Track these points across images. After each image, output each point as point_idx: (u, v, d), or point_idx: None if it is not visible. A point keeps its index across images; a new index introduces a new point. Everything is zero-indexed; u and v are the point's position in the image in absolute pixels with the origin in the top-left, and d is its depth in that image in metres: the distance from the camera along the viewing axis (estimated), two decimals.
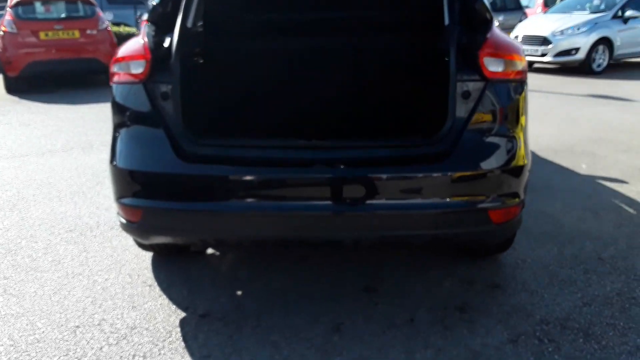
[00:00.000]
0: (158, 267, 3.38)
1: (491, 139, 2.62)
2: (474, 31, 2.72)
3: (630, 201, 4.43)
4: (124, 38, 12.47)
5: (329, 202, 2.53)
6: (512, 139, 2.64)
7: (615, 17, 12.00)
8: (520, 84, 2.67)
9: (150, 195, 2.65)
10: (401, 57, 3.59)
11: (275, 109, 3.77)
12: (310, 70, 3.66)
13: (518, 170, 2.62)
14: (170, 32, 2.86)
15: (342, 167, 2.55)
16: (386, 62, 3.64)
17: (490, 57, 2.57)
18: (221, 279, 3.25)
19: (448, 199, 2.56)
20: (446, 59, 2.85)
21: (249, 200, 2.59)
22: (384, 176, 2.53)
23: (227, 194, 2.59)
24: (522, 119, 2.72)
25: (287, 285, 3.16)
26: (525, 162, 2.66)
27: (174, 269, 3.35)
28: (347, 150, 2.63)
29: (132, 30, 13.92)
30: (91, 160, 5.82)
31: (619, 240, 3.69)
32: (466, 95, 2.61)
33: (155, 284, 3.20)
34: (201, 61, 3.26)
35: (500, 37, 2.67)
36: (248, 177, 2.57)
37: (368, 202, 2.52)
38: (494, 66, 2.58)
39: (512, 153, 2.62)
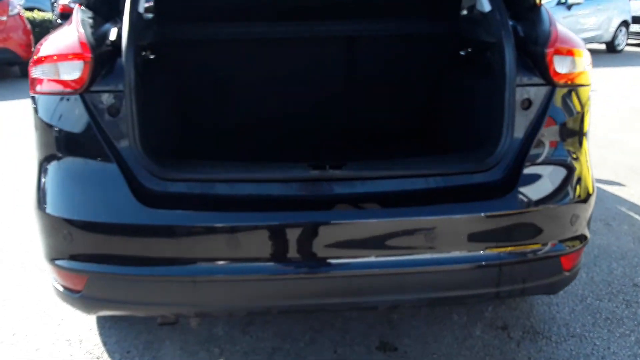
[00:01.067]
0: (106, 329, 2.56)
1: (561, 162, 2.02)
2: (526, 19, 2.09)
3: (634, 207, 4.06)
4: (38, 25, 11.06)
5: (359, 259, 1.85)
6: (581, 161, 2.06)
7: (559, 3, 11.94)
8: (586, 88, 2.08)
9: (98, 257, 1.85)
10: (422, 48, 2.87)
11: (266, 123, 3.01)
12: (305, 65, 2.89)
13: (589, 201, 2.04)
14: (114, 19, 2.05)
15: (375, 207, 1.87)
16: (403, 54, 2.91)
17: (560, 54, 1.95)
18: (193, 340, 2.48)
19: (514, 246, 1.93)
20: (488, 54, 2.22)
21: (244, 258, 1.85)
22: (432, 219, 1.87)
23: (212, 251, 1.84)
24: (586, 135, 2.14)
25: (278, 345, 2.44)
26: (594, 189, 2.09)
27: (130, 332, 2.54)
28: (375, 183, 1.94)
29: (48, 15, 12.38)
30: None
31: None
32: (526, 104, 2.00)
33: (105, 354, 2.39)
34: (159, 59, 2.45)
35: (562, 28, 2.06)
36: (240, 226, 1.83)
37: (414, 255, 1.86)
38: (563, 66, 1.98)
39: (584, 179, 2.04)
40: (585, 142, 2.10)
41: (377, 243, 1.85)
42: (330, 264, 1.85)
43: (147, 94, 2.04)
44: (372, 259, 1.87)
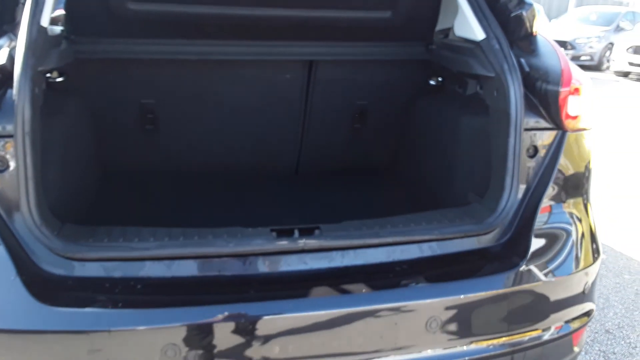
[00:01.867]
0: None
1: (573, 222, 1.71)
2: (527, 50, 1.77)
3: None
4: None
5: None
6: (590, 218, 1.75)
7: None
8: (590, 132, 1.78)
9: None
10: (393, 76, 2.47)
11: (210, 166, 2.49)
12: (257, 92, 2.38)
13: (597, 266, 1.74)
14: (6, 33, 1.51)
15: (362, 288, 1.44)
16: (370, 82, 2.47)
17: (575, 94, 1.63)
18: None
19: (527, 329, 1.57)
20: (481, 89, 1.88)
21: None
22: (434, 302, 1.47)
23: None
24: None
25: None
26: (600, 252, 1.79)
27: None
28: (358, 253, 1.52)
29: None
30: None
31: None
32: (532, 152, 1.67)
33: None
34: (70, 85, 1.89)
35: (569, 61, 1.75)
36: (183, 326, 1.33)
37: (413, 353, 1.44)
38: (575, 107, 1.66)
39: (593, 242, 1.73)
40: (589, 195, 1.80)
41: (370, 339, 1.43)
42: None
43: (50, 136, 1.51)
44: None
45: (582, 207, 1.75)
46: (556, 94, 1.62)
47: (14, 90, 1.34)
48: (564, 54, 1.71)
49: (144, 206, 2.16)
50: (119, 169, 2.39)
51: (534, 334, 1.58)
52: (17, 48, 1.41)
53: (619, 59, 12.01)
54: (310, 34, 2.23)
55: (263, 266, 1.47)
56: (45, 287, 1.32)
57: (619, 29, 13.22)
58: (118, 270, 1.40)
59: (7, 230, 1.35)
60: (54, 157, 1.74)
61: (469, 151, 2.02)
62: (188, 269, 1.43)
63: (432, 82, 2.45)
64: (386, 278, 1.50)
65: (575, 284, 1.65)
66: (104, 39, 2.06)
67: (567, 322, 1.65)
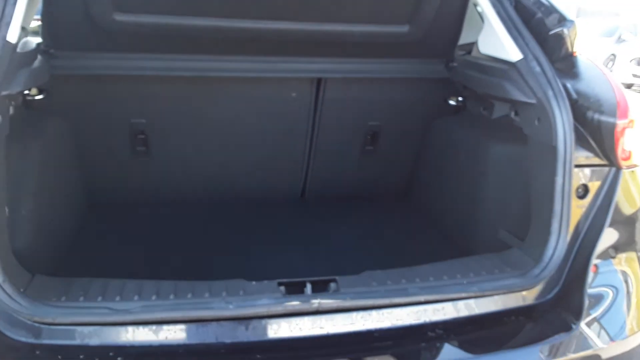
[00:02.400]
0: None
1: (627, 274, 1.47)
2: (570, 74, 1.54)
3: None
4: None
5: None
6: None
7: None
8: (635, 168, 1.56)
9: None
10: (410, 95, 2.22)
11: (205, 198, 2.26)
12: (260, 113, 2.13)
13: None
14: None
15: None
16: (384, 101, 2.23)
17: (630, 126, 1.40)
18: None
19: None
20: (514, 116, 1.66)
21: None
22: None
23: None
24: None
25: None
26: None
27: None
28: (382, 313, 1.28)
29: None
30: None
31: None
32: (582, 192, 1.44)
33: None
34: (48, 104, 1.67)
35: (622, 87, 1.52)
36: None
37: None
38: (630, 141, 1.43)
39: None
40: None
41: None
42: None
43: (23, 164, 1.31)
44: None
45: (636, 256, 1.52)
46: (612, 126, 1.39)
47: None
48: (615, 80, 1.48)
49: (132, 246, 1.92)
50: (106, 200, 2.15)
51: None
52: None
53: (622, 71, 11.84)
54: (318, 49, 2.00)
55: (270, 331, 1.23)
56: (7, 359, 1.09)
57: (620, 40, 13.05)
58: (95, 337, 1.16)
59: None
60: (27, 189, 1.51)
61: (500, 183, 1.79)
62: (180, 335, 1.19)
63: (451, 102, 2.22)
64: (418, 346, 1.26)
65: (633, 348, 1.41)
66: (88, 53, 1.82)
67: None
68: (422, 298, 1.30)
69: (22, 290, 1.17)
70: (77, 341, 1.15)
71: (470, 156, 1.95)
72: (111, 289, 1.25)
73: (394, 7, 1.85)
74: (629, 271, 1.50)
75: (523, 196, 1.65)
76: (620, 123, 1.38)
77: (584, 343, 1.32)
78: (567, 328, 1.32)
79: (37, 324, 1.14)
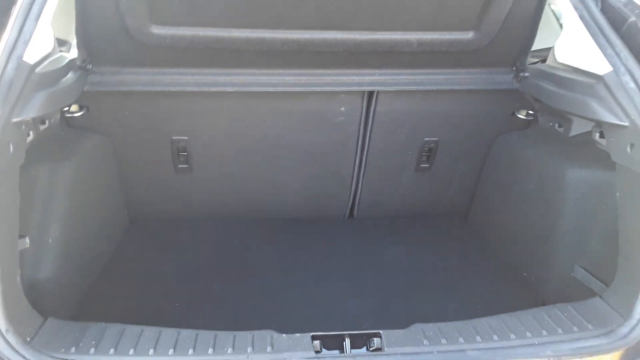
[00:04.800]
0: None
1: None
2: None
3: None
4: None
5: None
6: None
7: None
8: None
9: None
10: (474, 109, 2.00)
11: (247, 216, 2.16)
12: (298, 128, 1.97)
13: None
14: None
15: None
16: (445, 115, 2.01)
17: None
18: None
19: None
20: (598, 138, 1.42)
21: None
22: None
23: None
24: None
25: None
26: None
27: None
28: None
29: None
30: None
31: None
32: None
33: None
34: (85, 120, 1.60)
35: None
36: None
37: None
38: None
39: None
40: None
41: None
42: None
43: (53, 186, 1.18)
44: None
45: None
46: None
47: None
48: None
49: (169, 267, 1.82)
50: (147, 216, 2.07)
51: None
52: None
53: None
54: (371, 60, 1.81)
55: None
56: None
57: None
58: None
59: None
60: (55, 215, 1.41)
61: (579, 212, 1.55)
62: None
63: (520, 116, 1.98)
64: None
65: None
66: (126, 68, 1.71)
67: None
68: (486, 347, 1.10)
69: (28, 339, 1.06)
70: None
71: (543, 179, 1.70)
72: (126, 340, 1.13)
73: (457, 12, 1.64)
74: None
75: (608, 230, 1.40)
76: None
77: None
78: None
79: None
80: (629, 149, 1.26)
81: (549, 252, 1.64)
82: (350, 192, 2.19)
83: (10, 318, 1.03)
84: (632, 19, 1.38)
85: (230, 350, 1.09)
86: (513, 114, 1.98)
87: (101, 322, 1.18)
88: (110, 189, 1.94)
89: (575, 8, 1.48)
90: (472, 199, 2.17)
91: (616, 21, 1.41)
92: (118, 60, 1.71)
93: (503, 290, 1.71)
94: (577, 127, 1.72)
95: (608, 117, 1.31)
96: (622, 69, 1.30)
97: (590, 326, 1.20)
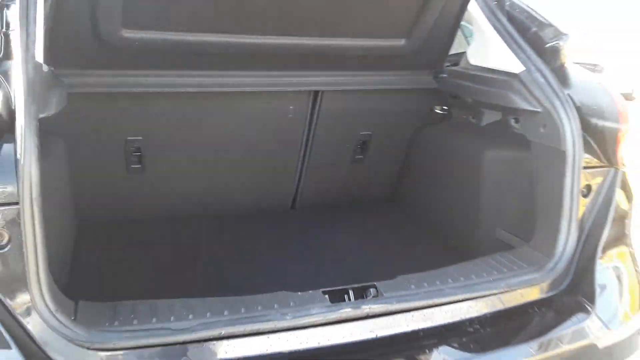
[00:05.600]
0: None
1: (625, 265, 1.63)
2: (568, 84, 1.67)
3: None
4: None
5: None
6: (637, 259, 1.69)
7: None
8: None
9: None
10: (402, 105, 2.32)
11: (202, 212, 2.25)
12: (249, 126, 2.14)
13: None
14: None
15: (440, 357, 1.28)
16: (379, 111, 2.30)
17: (627, 131, 1.55)
18: None
19: None
20: (514, 124, 1.78)
21: None
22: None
23: None
24: None
25: None
26: None
27: None
28: (426, 313, 1.36)
29: None
30: None
31: None
32: (586, 192, 1.58)
33: None
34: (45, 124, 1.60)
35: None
36: None
37: None
38: (625, 145, 1.58)
39: None
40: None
41: None
42: None
43: (53, 199, 1.22)
44: None
45: (631, 250, 1.67)
46: (615, 131, 1.54)
47: (19, 148, 1.06)
48: (613, 89, 1.64)
49: (131, 265, 1.87)
50: (97, 219, 2.08)
51: None
52: (14, 93, 1.13)
53: None
54: (317, 63, 2.05)
55: (324, 338, 1.26)
56: None
57: None
58: (157, 359, 1.14)
59: (15, 324, 1.06)
60: (56, 223, 1.45)
61: (496, 185, 1.91)
62: (241, 349, 1.19)
63: (437, 111, 2.34)
64: (461, 341, 1.34)
65: (627, 337, 1.56)
66: (91, 71, 1.76)
67: None
68: (458, 297, 1.38)
69: (72, 318, 1.13)
70: None
71: (463, 161, 2.06)
72: (161, 310, 1.23)
73: (393, 22, 1.93)
74: (621, 263, 1.66)
75: (521, 197, 1.77)
76: (622, 128, 1.53)
77: (582, 333, 1.45)
78: (585, 311, 1.45)
79: (97, 351, 1.11)
80: (542, 129, 1.63)
81: (474, 221, 1.98)
82: (293, 186, 2.40)
83: (55, 299, 1.10)
84: (534, 29, 1.78)
85: (260, 308, 1.25)
86: (431, 109, 2.33)
87: (128, 300, 1.27)
88: (62, 191, 1.95)
89: (489, 20, 1.85)
90: (401, 184, 2.49)
91: (522, 30, 1.80)
92: (82, 62, 1.75)
93: (439, 254, 2.03)
94: (488, 118, 2.11)
95: (525, 106, 1.68)
96: (533, 68, 1.67)
97: (525, 265, 1.54)
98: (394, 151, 2.42)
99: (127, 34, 1.67)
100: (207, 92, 1.95)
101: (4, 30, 1.35)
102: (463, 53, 2.18)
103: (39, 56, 1.26)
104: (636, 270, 1.65)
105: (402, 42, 2.01)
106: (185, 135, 2.07)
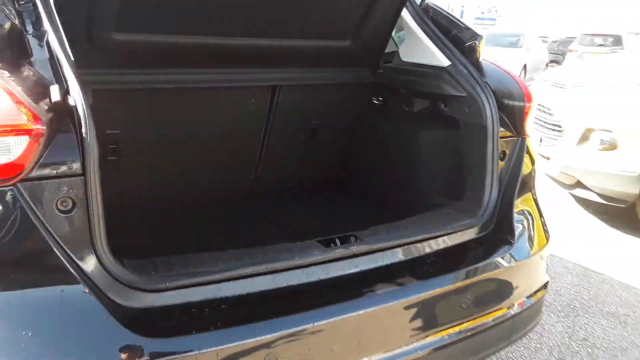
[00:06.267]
0: None
1: (531, 211, 2.12)
2: (483, 74, 2.14)
3: None
4: None
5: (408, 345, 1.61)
6: (539, 210, 2.19)
7: None
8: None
9: None
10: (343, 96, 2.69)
11: (172, 200, 2.45)
12: (216, 119, 2.43)
13: (549, 246, 2.18)
14: (29, 66, 1.43)
15: (412, 280, 1.68)
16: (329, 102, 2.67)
17: (530, 108, 2.05)
18: None
19: (525, 295, 1.94)
20: (444, 107, 2.22)
21: None
22: (467, 282, 1.77)
23: None
24: None
25: None
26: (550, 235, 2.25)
27: None
28: (398, 251, 1.75)
29: None
30: None
31: None
32: (502, 156, 2.05)
33: None
34: None
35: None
36: (283, 333, 1.44)
37: (452, 325, 1.73)
38: (529, 119, 2.08)
39: (544, 227, 2.17)
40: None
41: (419, 322, 1.65)
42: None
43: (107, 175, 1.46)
44: (423, 341, 1.65)
45: (534, 198, 2.18)
46: (522, 108, 2.02)
47: (83, 129, 1.30)
48: (517, 76, 2.13)
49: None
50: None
51: (529, 296, 1.96)
52: (68, 80, 1.36)
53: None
54: (275, 61, 2.38)
55: (322, 273, 1.60)
56: (142, 322, 1.31)
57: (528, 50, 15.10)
58: (200, 294, 1.43)
59: (81, 274, 1.30)
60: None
61: (429, 159, 2.34)
62: (264, 284, 1.50)
63: (375, 102, 2.76)
64: (424, 269, 1.74)
65: (544, 256, 2.06)
66: (79, 70, 1.97)
67: (545, 287, 2.06)
68: (420, 237, 1.79)
69: (126, 269, 1.38)
70: (186, 300, 1.41)
71: (401, 142, 2.48)
72: (193, 261, 1.51)
73: (340, 26, 2.32)
74: (529, 209, 2.15)
75: (450, 167, 2.21)
76: (527, 105, 2.03)
77: (507, 259, 1.92)
78: (509, 244, 1.92)
79: (152, 293, 1.37)
80: (467, 110, 2.08)
81: (413, 190, 2.41)
82: (252, 172, 2.71)
83: (112, 254, 1.35)
84: (454, 31, 2.24)
85: (271, 253, 1.57)
86: (370, 100, 2.75)
87: (157, 257, 1.53)
88: None
89: (419, 25, 2.29)
90: (347, 166, 2.88)
91: (445, 33, 2.25)
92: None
93: (388, 219, 2.43)
94: (418, 105, 2.55)
95: (453, 92, 2.13)
96: (457, 62, 2.13)
97: (462, 214, 1.98)
98: (340, 138, 2.81)
99: (117, 36, 1.91)
100: (180, 88, 2.22)
101: (31, 32, 1.53)
102: (394, 52, 2.62)
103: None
104: (540, 214, 2.16)
105: (347, 42, 2.40)
106: (157, 129, 2.31)
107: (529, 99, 2.03)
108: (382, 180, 2.63)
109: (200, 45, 2.10)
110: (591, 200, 4.54)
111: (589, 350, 2.79)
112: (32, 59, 1.43)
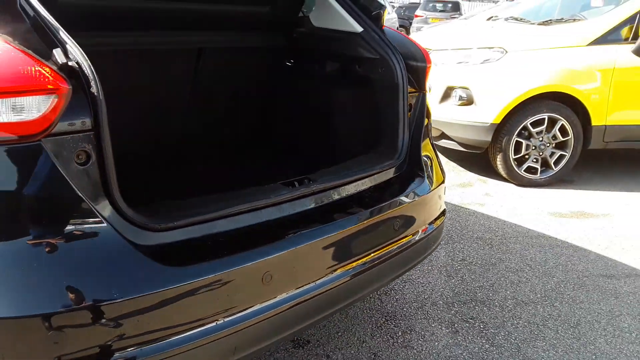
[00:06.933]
0: None
1: (431, 153, 2.60)
2: (390, 39, 2.54)
3: None
4: None
5: (353, 264, 2.01)
6: (436, 152, 2.69)
7: None
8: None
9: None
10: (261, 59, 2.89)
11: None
12: (153, 79, 2.56)
13: (445, 180, 2.69)
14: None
15: (360, 209, 2.06)
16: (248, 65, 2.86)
17: (430, 68, 2.50)
18: None
19: (430, 222, 2.42)
20: (358, 68, 2.59)
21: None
22: (397, 209, 2.19)
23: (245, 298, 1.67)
24: None
25: None
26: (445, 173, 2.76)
27: None
28: (346, 188, 2.11)
29: None
30: None
31: None
32: (409, 108, 2.49)
33: None
34: None
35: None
36: (276, 255, 1.74)
37: (383, 247, 2.14)
38: (429, 77, 2.54)
39: (440, 166, 2.66)
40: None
41: (363, 244, 2.04)
42: (340, 274, 1.94)
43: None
44: (361, 262, 2.03)
45: (432, 142, 2.66)
46: (425, 68, 2.46)
47: (92, 87, 1.44)
48: (416, 40, 2.57)
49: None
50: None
51: (432, 223, 2.44)
52: (68, 44, 1.47)
53: None
54: (201, 24, 2.58)
55: (292, 209, 1.90)
56: (161, 254, 1.52)
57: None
58: (206, 229, 1.66)
59: (99, 218, 1.47)
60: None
61: (348, 113, 2.70)
62: (249, 219, 1.78)
63: (288, 64, 3.04)
64: (365, 200, 2.12)
65: (443, 190, 2.57)
66: None
67: (443, 215, 2.56)
68: (359, 176, 2.16)
69: (136, 212, 1.56)
70: (195, 235, 1.63)
71: (320, 99, 2.82)
72: (194, 203, 1.73)
73: None
74: (429, 152, 2.63)
75: (365, 120, 2.60)
76: (428, 66, 2.47)
77: (421, 189, 2.38)
78: (421, 178, 2.37)
79: (163, 231, 1.56)
80: (380, 70, 2.46)
81: (335, 141, 2.75)
82: (180, 126, 2.88)
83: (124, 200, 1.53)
84: (362, 1, 2.58)
85: (248, 196, 1.83)
86: (285, 63, 3.03)
87: (165, 200, 1.72)
88: None
89: None
90: (268, 125, 3.15)
91: (354, 2, 2.60)
92: None
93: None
94: (329, 66, 2.89)
95: (368, 55, 2.49)
96: (369, 28, 2.48)
97: (383, 158, 2.38)
98: (259, 99, 3.07)
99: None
100: (107, 50, 2.32)
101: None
102: (304, 17, 2.91)
103: None
104: (436, 156, 2.66)
105: (267, 8, 2.65)
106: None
107: (429, 61, 2.48)
108: (302, 138, 2.96)
109: (126, 8, 2.23)
110: (452, 149, 5.32)
111: (468, 267, 3.45)
112: (31, 25, 1.50)
